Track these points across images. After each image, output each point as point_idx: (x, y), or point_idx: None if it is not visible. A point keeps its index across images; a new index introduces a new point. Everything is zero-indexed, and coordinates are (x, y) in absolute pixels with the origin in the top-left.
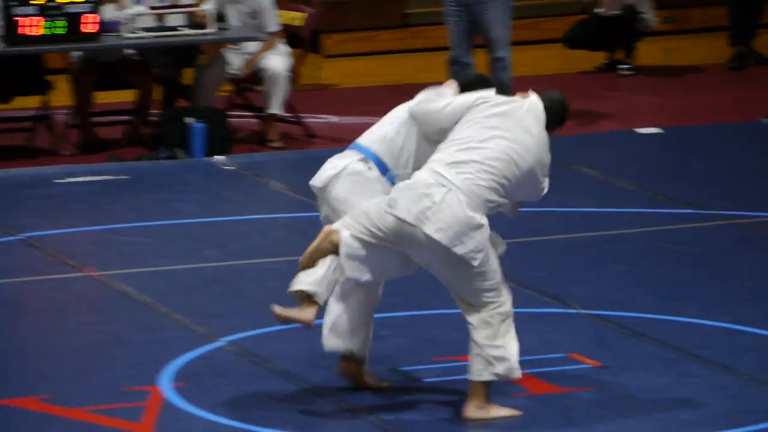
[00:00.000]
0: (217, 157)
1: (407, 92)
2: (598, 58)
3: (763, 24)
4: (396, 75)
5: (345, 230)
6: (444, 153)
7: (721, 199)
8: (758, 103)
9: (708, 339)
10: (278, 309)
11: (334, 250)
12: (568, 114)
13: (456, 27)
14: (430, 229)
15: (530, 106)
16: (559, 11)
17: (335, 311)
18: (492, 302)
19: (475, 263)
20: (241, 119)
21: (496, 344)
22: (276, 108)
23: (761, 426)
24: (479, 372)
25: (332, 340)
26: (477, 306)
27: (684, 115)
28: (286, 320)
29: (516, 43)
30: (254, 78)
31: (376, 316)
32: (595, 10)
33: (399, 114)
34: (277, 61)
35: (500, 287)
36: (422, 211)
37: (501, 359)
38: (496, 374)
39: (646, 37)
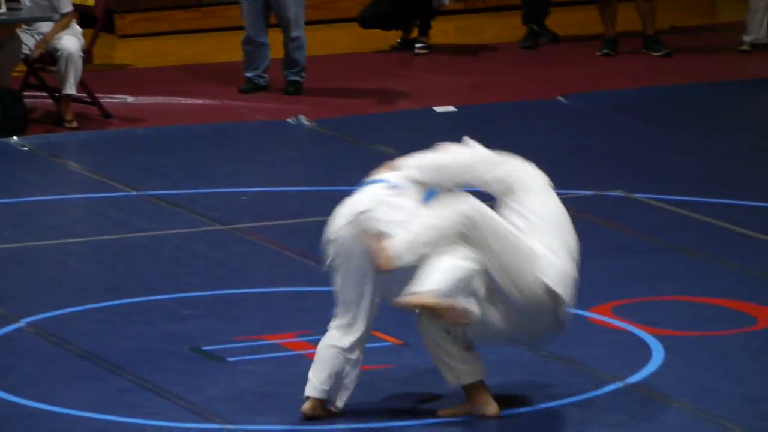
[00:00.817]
0: (12, 138)
1: (202, 72)
2: (393, 37)
3: (555, 2)
4: (191, 55)
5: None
6: (560, 230)
7: None
8: (552, 82)
9: None
10: None
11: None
12: None
13: (250, 6)
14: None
15: None
16: None
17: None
18: None
19: None
20: (36, 99)
21: None
22: (71, 88)
23: (552, 404)
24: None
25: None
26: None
27: (479, 94)
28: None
29: (310, 23)
30: (48, 58)
31: (178, 295)
32: None
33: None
34: (71, 41)
35: None
36: (568, 290)
37: None
38: None
39: (439, 16)
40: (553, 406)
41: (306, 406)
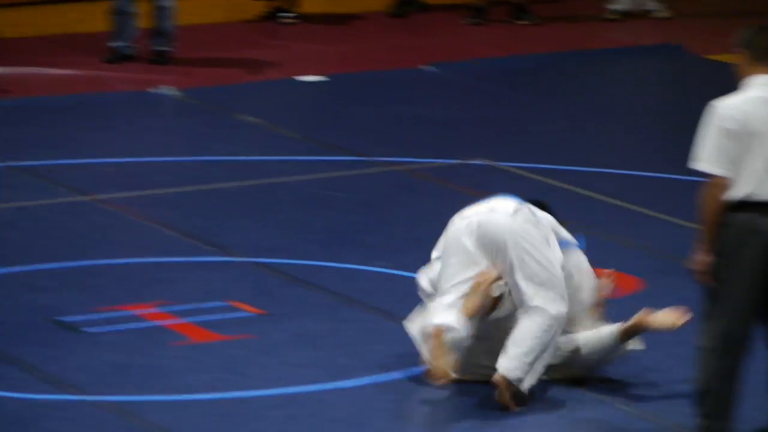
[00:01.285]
0: None
1: (68, 42)
2: (261, 6)
3: None
4: (56, 25)
5: None
6: None
7: (383, 145)
8: (420, 50)
9: (368, 285)
10: None
11: None
12: None
13: None
14: None
15: None
16: None
17: None
18: None
19: None
20: None
21: None
22: None
23: (417, 370)
24: None
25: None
26: None
27: (346, 63)
28: None
29: None
30: None
31: (37, 267)
32: None
33: None
34: None
35: None
36: None
37: None
38: None
39: None
40: (410, 373)
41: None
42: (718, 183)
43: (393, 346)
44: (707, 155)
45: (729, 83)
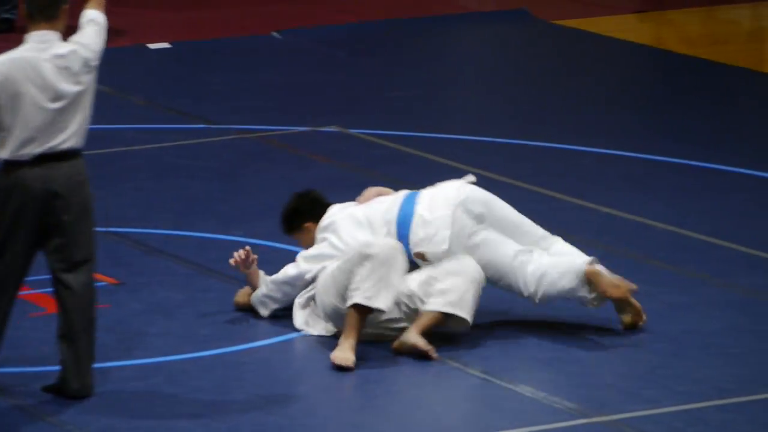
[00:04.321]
0: None
1: None
2: None
3: None
4: None
5: None
6: None
7: (234, 113)
8: (267, 17)
9: (224, 254)
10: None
11: None
12: None
13: None
14: None
15: None
16: None
17: None
18: None
19: None
20: None
21: None
22: None
23: (278, 338)
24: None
25: None
26: None
27: (193, 30)
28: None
29: None
30: None
31: None
32: None
33: None
34: None
35: None
36: None
37: None
38: None
39: None
40: (285, 339)
41: None
42: None
43: (251, 315)
44: None
45: (577, 48)
